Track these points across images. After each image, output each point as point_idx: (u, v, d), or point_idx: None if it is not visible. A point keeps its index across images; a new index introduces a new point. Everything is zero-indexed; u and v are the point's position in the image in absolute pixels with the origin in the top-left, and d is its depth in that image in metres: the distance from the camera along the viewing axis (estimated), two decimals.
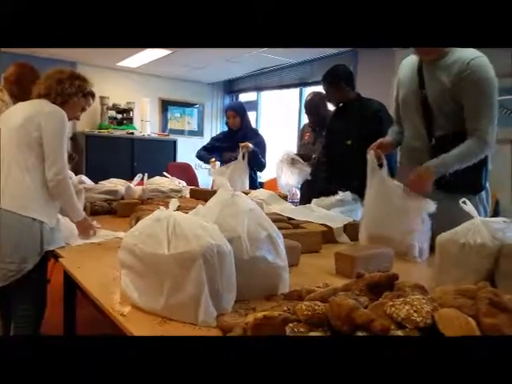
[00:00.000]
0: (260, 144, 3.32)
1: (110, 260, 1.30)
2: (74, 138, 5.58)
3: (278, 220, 1.92)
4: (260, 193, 2.58)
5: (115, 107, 5.93)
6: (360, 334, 0.65)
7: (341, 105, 2.59)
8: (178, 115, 6.71)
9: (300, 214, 2.08)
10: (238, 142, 3.31)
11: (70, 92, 1.70)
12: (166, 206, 0.97)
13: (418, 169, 1.65)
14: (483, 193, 1.84)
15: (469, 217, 1.17)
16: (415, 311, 0.64)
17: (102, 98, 5.69)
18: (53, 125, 1.58)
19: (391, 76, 2.27)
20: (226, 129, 3.61)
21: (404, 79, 1.89)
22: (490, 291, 0.68)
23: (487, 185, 1.84)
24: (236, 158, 3.24)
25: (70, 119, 1.69)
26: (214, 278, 0.85)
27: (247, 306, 0.90)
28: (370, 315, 0.66)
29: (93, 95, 1.84)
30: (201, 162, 4.14)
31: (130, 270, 0.93)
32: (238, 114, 3.36)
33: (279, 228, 1.68)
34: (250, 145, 3.12)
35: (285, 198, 2.70)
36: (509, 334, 0.50)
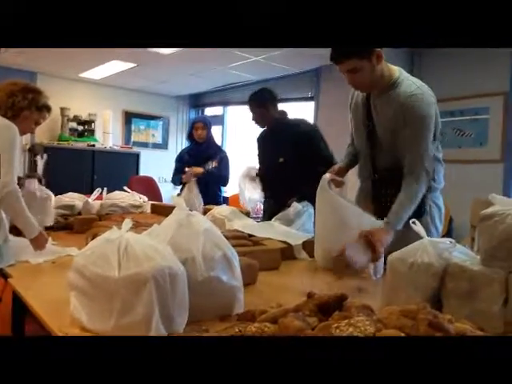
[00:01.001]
0: (223, 159, 3.37)
1: (61, 280, 1.26)
2: (31, 150, 5.40)
3: (239, 237, 1.93)
4: (222, 209, 2.58)
5: (76, 119, 5.81)
6: None
7: (266, 127, 2.67)
8: (142, 127, 6.64)
9: (260, 230, 2.10)
10: (202, 156, 3.33)
11: (22, 105, 1.65)
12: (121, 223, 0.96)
13: (376, 230, 1.65)
14: (435, 212, 1.92)
15: (420, 236, 1.22)
16: (359, 333, 0.66)
17: (62, 109, 5.57)
18: (1, 139, 1.53)
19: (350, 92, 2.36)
20: (189, 142, 3.63)
21: (355, 107, 1.96)
22: (429, 312, 0.71)
23: (441, 204, 1.92)
24: (202, 173, 3.26)
25: (22, 133, 1.65)
26: (165, 300, 0.85)
27: (199, 328, 0.90)
28: (315, 336, 0.67)
29: (48, 108, 1.79)
30: (166, 176, 4.09)
31: (80, 292, 0.91)
32: (205, 127, 3.41)
33: (239, 245, 1.72)
34: (199, 170, 3.17)
35: (247, 213, 2.72)
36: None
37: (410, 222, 1.25)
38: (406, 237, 1.34)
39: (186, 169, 3.27)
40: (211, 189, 3.25)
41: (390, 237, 1.64)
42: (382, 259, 1.62)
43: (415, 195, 1.72)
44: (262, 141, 2.76)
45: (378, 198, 1.83)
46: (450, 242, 1.21)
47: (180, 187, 3.31)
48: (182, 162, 3.44)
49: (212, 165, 3.35)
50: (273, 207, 2.55)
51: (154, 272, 0.83)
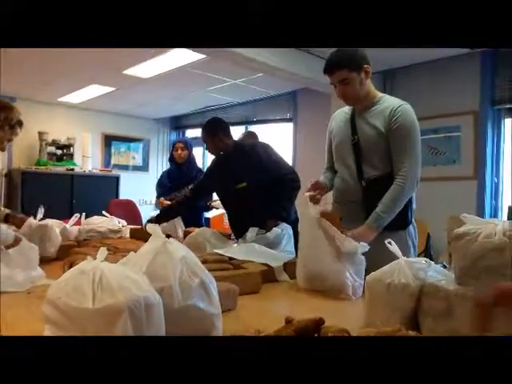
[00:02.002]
0: None
1: (37, 311, 1.23)
2: (8, 175, 5.32)
3: (219, 261, 1.93)
4: (203, 231, 2.57)
5: (55, 143, 5.76)
6: None
7: (221, 153, 2.70)
8: (123, 150, 6.62)
9: (241, 253, 2.10)
10: (183, 178, 3.31)
11: None
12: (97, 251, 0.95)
13: (358, 231, 1.77)
14: (411, 229, 1.98)
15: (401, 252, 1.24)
16: None
17: (41, 133, 5.52)
18: None
19: (327, 116, 2.42)
20: (170, 165, 3.62)
21: (337, 129, 2.06)
22: (403, 333, 0.72)
23: (413, 220, 1.97)
24: (183, 196, 3.24)
25: None
26: (140, 330, 0.83)
27: None
28: None
29: (20, 124, 1.77)
30: (146, 198, 4.01)
31: (54, 325, 0.89)
32: (186, 147, 3.41)
33: (220, 269, 1.71)
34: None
35: (229, 235, 2.72)
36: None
37: (386, 242, 1.28)
38: (382, 253, 1.37)
39: (165, 202, 3.23)
40: (193, 212, 3.23)
41: (372, 236, 1.76)
42: (362, 282, 1.64)
43: (399, 199, 1.81)
44: (218, 168, 2.75)
45: (370, 205, 1.87)
46: (425, 261, 1.23)
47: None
48: (163, 186, 3.43)
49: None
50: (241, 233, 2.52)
51: (129, 302, 0.82)
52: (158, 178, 3.75)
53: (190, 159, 3.45)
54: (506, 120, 3.85)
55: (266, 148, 2.68)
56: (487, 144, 3.68)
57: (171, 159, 3.51)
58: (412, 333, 0.78)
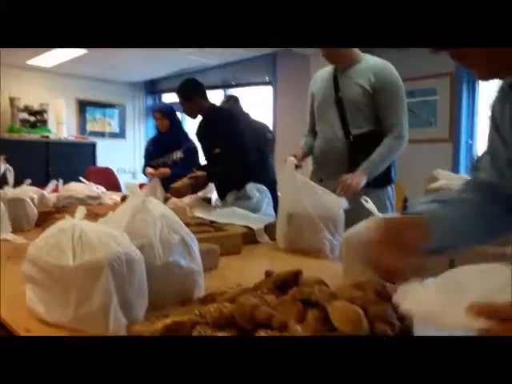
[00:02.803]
0: (191, 150, 3.27)
1: (17, 274, 1.23)
2: None
3: (200, 224, 1.94)
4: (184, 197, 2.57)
5: (27, 109, 5.55)
6: (263, 334, 0.69)
7: (200, 117, 2.67)
8: (98, 116, 6.44)
9: (222, 216, 2.12)
10: (166, 146, 3.25)
11: None
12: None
13: (349, 175, 1.79)
14: (389, 189, 2.02)
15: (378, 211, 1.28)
16: None
17: (12, 99, 5.31)
18: None
19: (307, 79, 2.40)
20: (151, 131, 3.56)
21: (319, 88, 2.05)
22: (377, 282, 0.75)
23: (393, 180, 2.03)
24: (164, 164, 3.19)
25: None
26: (122, 287, 0.85)
27: (160, 313, 0.90)
28: (269, 312, 0.70)
29: None
30: (124, 166, 3.97)
31: (35, 284, 0.89)
32: (164, 116, 3.30)
33: (201, 232, 1.72)
34: (165, 171, 3.11)
35: (208, 200, 2.72)
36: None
37: (362, 199, 1.31)
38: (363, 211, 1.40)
39: (150, 170, 3.18)
40: (175, 179, 3.20)
41: (363, 182, 1.80)
42: (339, 239, 1.68)
43: (393, 152, 1.86)
44: (199, 133, 2.71)
45: (356, 161, 1.90)
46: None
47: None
48: (148, 154, 3.36)
49: (177, 155, 3.27)
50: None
51: (110, 258, 0.83)
52: (145, 144, 3.66)
53: (173, 126, 3.32)
54: (480, 82, 3.90)
55: (240, 113, 2.66)
56: (462, 106, 3.73)
57: (156, 128, 3.43)
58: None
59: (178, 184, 2.47)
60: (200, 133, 2.68)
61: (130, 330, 0.82)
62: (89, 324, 0.83)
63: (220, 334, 0.71)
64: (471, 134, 3.82)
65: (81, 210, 0.94)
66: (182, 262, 1.02)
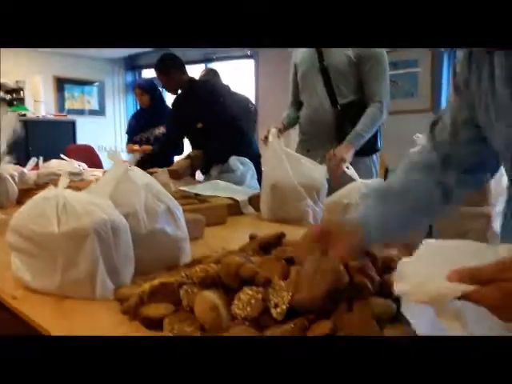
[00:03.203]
0: None
1: (1, 245, 1.23)
2: None
3: (184, 197, 1.95)
4: (166, 171, 2.55)
5: (3, 86, 5.39)
6: (248, 291, 0.71)
7: (179, 92, 2.63)
8: (77, 94, 6.29)
9: (206, 189, 2.12)
10: (148, 122, 3.21)
11: None
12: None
13: (336, 150, 1.80)
14: (375, 158, 2.07)
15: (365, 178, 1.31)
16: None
17: None
18: None
19: (288, 52, 2.38)
20: (132, 107, 3.51)
21: (302, 59, 2.04)
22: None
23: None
24: (147, 139, 3.15)
25: None
26: (109, 254, 0.86)
27: (147, 278, 0.92)
28: (253, 269, 0.72)
29: None
30: (105, 144, 3.88)
31: (21, 252, 0.90)
32: (144, 92, 3.25)
33: (185, 204, 1.73)
34: (149, 148, 3.07)
35: (193, 175, 2.72)
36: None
37: (344, 166, 1.33)
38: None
39: (133, 146, 3.13)
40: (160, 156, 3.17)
41: (351, 153, 1.82)
42: (321, 208, 1.71)
43: (376, 121, 1.90)
44: (177, 108, 2.67)
45: (344, 130, 1.93)
46: (381, 181, 1.30)
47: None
48: (130, 129, 3.32)
49: (159, 130, 3.24)
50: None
51: (95, 225, 0.83)
52: (128, 120, 3.60)
53: (155, 101, 3.28)
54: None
55: (220, 86, 2.62)
56: (443, 77, 3.76)
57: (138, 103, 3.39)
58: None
59: (175, 166, 2.45)
60: (178, 107, 2.64)
61: (116, 293, 0.84)
62: (76, 289, 0.85)
63: (206, 292, 0.73)
64: None
65: (64, 180, 0.93)
66: (168, 230, 1.03)
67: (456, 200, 0.83)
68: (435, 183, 0.81)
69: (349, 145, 1.85)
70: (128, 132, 3.38)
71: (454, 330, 0.49)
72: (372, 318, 0.65)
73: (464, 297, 0.48)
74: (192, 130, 2.55)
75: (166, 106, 3.42)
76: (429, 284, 0.50)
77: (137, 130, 3.24)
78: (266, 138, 1.92)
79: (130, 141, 3.27)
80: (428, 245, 0.56)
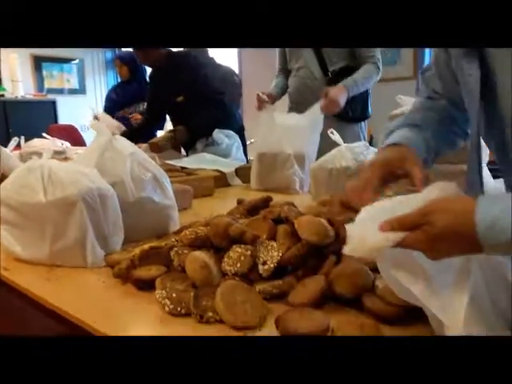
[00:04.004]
0: None
1: None
2: None
3: (171, 170, 1.94)
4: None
5: None
6: (238, 248, 0.72)
7: (157, 65, 2.57)
8: (55, 72, 6.12)
9: (192, 162, 2.12)
10: (132, 96, 3.13)
11: None
12: None
13: (332, 88, 1.79)
14: (363, 125, 2.08)
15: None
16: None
17: None
18: None
19: None
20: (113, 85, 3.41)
21: None
22: (341, 194, 0.80)
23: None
24: (128, 114, 3.09)
25: None
26: (97, 221, 0.86)
27: (137, 245, 0.93)
28: (242, 228, 0.73)
29: None
30: (87, 124, 3.76)
31: (9, 224, 0.89)
32: (124, 64, 3.16)
33: (172, 177, 1.73)
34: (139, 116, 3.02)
35: (178, 151, 2.70)
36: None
37: (328, 132, 1.34)
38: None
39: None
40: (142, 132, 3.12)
41: (345, 96, 1.80)
42: (307, 174, 1.72)
43: (371, 77, 1.90)
44: (156, 81, 2.57)
45: None
46: (365, 145, 1.31)
47: None
48: (110, 100, 3.23)
49: (144, 106, 3.18)
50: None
51: (83, 194, 0.83)
52: (107, 93, 3.49)
53: (135, 75, 3.19)
54: None
55: (202, 57, 2.57)
56: None
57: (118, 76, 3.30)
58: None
59: (156, 138, 2.42)
60: (155, 81, 2.58)
61: (107, 260, 0.85)
62: (66, 258, 0.86)
63: (197, 252, 0.74)
64: None
65: (48, 151, 0.93)
66: (156, 198, 1.04)
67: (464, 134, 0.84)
68: (436, 116, 0.81)
69: (343, 88, 1.80)
70: (108, 106, 3.31)
71: (416, 285, 0.53)
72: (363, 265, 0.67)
73: (397, 245, 0.52)
74: (172, 104, 2.52)
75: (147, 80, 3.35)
76: (366, 239, 0.54)
77: (118, 105, 3.18)
78: (261, 103, 1.90)
79: (108, 111, 3.20)
80: (369, 207, 0.59)
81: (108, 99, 3.30)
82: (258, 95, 1.91)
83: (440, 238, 0.49)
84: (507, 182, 0.75)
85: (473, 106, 0.68)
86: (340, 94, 1.78)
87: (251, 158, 2.64)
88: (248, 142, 2.90)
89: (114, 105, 3.20)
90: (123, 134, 2.72)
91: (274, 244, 0.73)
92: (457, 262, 0.53)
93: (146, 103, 3.08)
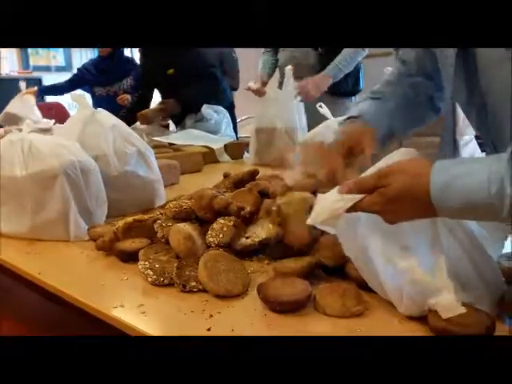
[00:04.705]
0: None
1: None
2: None
3: (158, 146, 1.92)
4: (138, 123, 2.50)
5: None
6: (221, 220, 0.71)
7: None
8: (41, 50, 5.97)
9: (181, 138, 2.10)
10: (113, 72, 3.05)
11: None
12: None
13: (315, 77, 1.79)
14: (354, 98, 2.06)
15: None
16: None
17: None
18: None
19: None
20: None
21: None
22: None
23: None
24: (114, 93, 3.02)
25: None
26: (80, 194, 0.85)
27: (122, 219, 0.92)
28: (227, 200, 0.72)
29: None
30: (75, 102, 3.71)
31: None
32: None
33: (159, 153, 1.71)
34: (127, 97, 2.95)
35: (166, 126, 2.67)
36: None
37: (317, 105, 1.32)
38: None
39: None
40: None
41: (327, 84, 1.82)
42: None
43: (357, 55, 1.88)
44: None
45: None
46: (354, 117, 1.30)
47: None
48: (85, 73, 3.13)
49: (127, 82, 3.11)
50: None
51: (64, 166, 0.82)
52: (82, 66, 3.35)
53: (116, 51, 3.11)
54: None
55: None
56: None
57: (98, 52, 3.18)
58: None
59: (146, 110, 2.37)
60: (148, 53, 2.52)
61: (90, 233, 0.84)
62: (49, 231, 0.84)
63: (181, 224, 0.73)
64: None
65: (29, 123, 0.91)
66: (140, 172, 1.02)
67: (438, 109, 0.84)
68: (411, 91, 0.81)
69: (323, 76, 1.82)
70: (78, 76, 3.18)
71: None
72: None
73: (354, 207, 0.52)
74: (163, 78, 2.47)
75: (129, 57, 3.26)
76: (325, 204, 0.55)
77: (100, 81, 3.08)
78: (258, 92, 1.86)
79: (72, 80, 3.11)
80: None
81: (85, 70, 3.16)
82: (249, 88, 1.88)
83: (396, 200, 0.49)
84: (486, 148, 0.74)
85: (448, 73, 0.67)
86: (321, 80, 1.81)
87: (241, 136, 2.63)
88: (238, 120, 2.87)
89: (94, 81, 3.11)
90: (121, 117, 2.66)
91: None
92: (423, 226, 0.53)
93: (134, 78, 3.01)
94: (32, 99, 2.78)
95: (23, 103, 2.70)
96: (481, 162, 0.48)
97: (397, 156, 0.56)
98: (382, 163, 0.55)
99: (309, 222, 0.56)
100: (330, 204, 0.54)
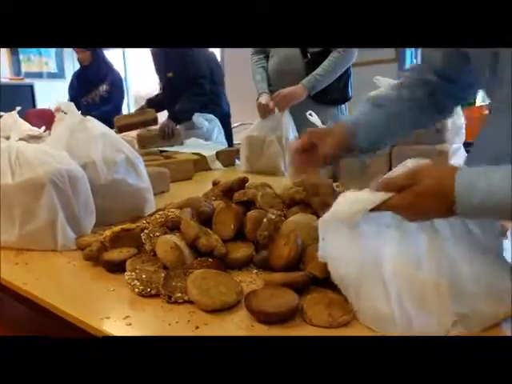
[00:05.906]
0: (115, 83, 3.11)
1: None
2: None
3: (149, 153, 1.92)
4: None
5: None
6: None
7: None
8: (33, 55, 5.95)
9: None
10: (91, 80, 3.06)
11: None
12: None
13: (286, 89, 1.79)
14: (344, 108, 2.06)
15: None
16: None
17: None
18: None
19: None
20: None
21: None
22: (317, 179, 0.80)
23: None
24: (93, 100, 3.03)
25: None
26: (68, 203, 0.84)
27: (109, 228, 0.92)
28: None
29: None
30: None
31: None
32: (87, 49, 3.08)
33: (150, 160, 1.70)
34: None
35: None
36: None
37: (307, 114, 1.33)
38: None
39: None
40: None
41: (301, 96, 1.80)
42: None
43: (337, 64, 1.87)
44: (153, 56, 2.56)
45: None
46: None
47: None
48: (73, 90, 3.17)
49: (103, 88, 3.11)
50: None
51: (51, 175, 0.81)
52: (70, 81, 3.39)
53: (96, 59, 3.08)
54: None
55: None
56: None
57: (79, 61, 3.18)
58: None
59: (145, 133, 2.35)
60: (155, 55, 2.55)
61: (78, 242, 0.83)
62: (36, 241, 0.84)
63: (168, 235, 0.73)
64: (416, 54, 3.88)
65: (16, 131, 0.90)
66: (129, 180, 1.02)
67: (448, 112, 0.86)
68: (426, 93, 0.81)
69: (301, 87, 1.82)
70: (72, 94, 3.21)
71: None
72: None
73: (383, 205, 0.54)
74: (164, 78, 2.49)
75: (108, 62, 3.24)
76: (351, 202, 0.56)
77: (81, 92, 3.09)
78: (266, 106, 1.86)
79: (74, 99, 3.13)
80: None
81: (71, 88, 3.21)
82: (261, 104, 1.86)
83: (423, 196, 0.51)
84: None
85: None
86: (295, 92, 1.80)
87: (236, 143, 2.63)
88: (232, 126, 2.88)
89: (78, 93, 3.12)
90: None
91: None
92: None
93: (110, 83, 3.01)
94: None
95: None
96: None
97: (410, 164, 0.57)
98: (397, 170, 0.57)
99: (324, 217, 0.58)
100: (355, 203, 0.55)
